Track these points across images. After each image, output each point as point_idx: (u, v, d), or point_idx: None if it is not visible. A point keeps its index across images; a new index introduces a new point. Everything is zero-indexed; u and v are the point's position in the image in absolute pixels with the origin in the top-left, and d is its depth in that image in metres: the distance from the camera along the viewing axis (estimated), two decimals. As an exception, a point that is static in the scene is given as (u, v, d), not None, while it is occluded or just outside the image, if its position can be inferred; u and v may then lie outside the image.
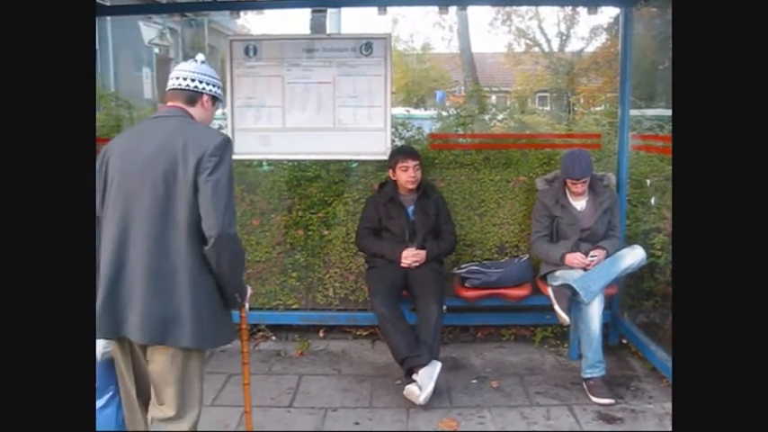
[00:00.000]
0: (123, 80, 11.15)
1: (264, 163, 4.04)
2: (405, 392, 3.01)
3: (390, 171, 3.45)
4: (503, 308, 3.68)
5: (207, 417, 2.37)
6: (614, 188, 3.52)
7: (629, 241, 3.55)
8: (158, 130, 1.97)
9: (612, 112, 4.50)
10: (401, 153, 3.43)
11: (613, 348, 3.63)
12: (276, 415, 2.95)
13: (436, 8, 3.85)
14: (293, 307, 3.94)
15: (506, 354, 3.68)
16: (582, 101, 11.43)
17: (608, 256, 3.24)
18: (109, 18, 9.33)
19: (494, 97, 15.93)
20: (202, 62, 2.10)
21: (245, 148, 3.63)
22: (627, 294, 3.78)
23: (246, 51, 3.67)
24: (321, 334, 3.94)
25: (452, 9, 4.19)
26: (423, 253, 3.34)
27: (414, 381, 2.98)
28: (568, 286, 3.11)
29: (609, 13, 12.28)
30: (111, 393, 2.28)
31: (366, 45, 3.63)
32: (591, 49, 15.67)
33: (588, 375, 3.11)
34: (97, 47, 9.11)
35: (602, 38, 14.92)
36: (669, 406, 2.92)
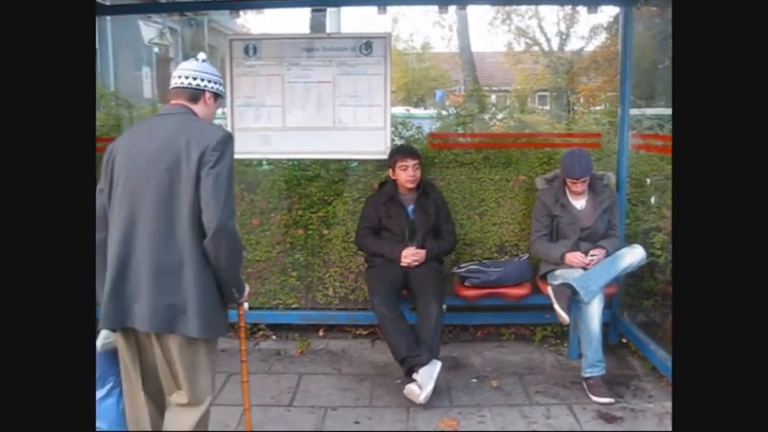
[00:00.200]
0: (123, 79, 11.16)
1: (264, 162, 4.04)
2: (405, 392, 3.02)
3: (390, 170, 3.45)
4: (502, 307, 3.68)
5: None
6: (614, 187, 3.52)
7: (629, 240, 3.55)
8: (162, 128, 2.02)
9: (612, 112, 4.50)
10: (401, 152, 3.43)
11: (613, 347, 3.63)
12: (276, 414, 2.95)
13: (436, 7, 3.84)
14: (293, 306, 3.94)
15: (506, 353, 3.68)
16: (582, 100, 11.40)
17: (608, 255, 3.25)
18: (109, 17, 9.31)
19: (493, 96, 15.86)
20: (204, 61, 2.15)
21: (245, 148, 3.62)
22: (627, 293, 3.77)
23: (246, 51, 3.67)
24: (321, 333, 3.94)
25: (452, 8, 4.19)
26: (422, 252, 3.34)
27: (414, 380, 2.98)
28: (568, 285, 3.11)
29: (609, 12, 12.26)
30: (111, 384, 2.31)
31: (366, 44, 3.63)
32: (591, 48, 15.72)
33: (588, 374, 3.11)
34: (97, 46, 9.11)
35: (602, 37, 14.95)
36: (669, 405, 2.92)
